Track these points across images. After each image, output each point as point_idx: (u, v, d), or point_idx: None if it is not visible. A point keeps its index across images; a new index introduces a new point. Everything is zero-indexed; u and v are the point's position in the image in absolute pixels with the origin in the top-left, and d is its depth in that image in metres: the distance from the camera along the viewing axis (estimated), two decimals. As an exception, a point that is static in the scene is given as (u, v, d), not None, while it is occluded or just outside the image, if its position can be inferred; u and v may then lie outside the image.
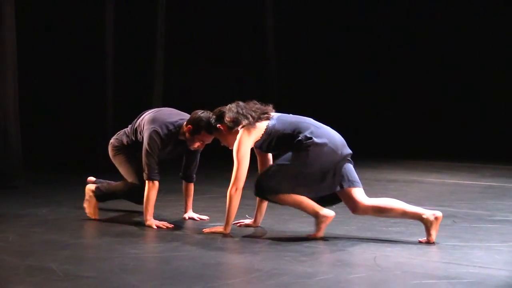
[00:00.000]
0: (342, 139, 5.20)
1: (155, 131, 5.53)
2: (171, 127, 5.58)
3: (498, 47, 11.68)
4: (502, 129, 11.48)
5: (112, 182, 5.99)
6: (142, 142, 5.65)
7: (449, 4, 11.95)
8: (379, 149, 11.28)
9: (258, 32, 11.74)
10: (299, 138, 5.06)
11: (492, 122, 11.63)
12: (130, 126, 5.92)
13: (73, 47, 9.39)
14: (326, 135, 5.11)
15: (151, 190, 5.50)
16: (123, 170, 5.88)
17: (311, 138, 5.04)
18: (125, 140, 5.88)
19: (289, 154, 5.06)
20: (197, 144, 5.60)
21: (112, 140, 5.98)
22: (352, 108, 12.34)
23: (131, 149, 5.84)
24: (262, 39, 11.74)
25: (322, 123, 5.29)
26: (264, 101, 5.35)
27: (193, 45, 10.84)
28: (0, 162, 7.61)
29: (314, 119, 5.31)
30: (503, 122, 11.55)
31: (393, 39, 12.30)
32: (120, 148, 5.89)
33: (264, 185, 5.11)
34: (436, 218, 4.93)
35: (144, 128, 5.62)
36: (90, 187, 5.90)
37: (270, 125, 5.15)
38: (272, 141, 5.16)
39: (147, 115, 5.74)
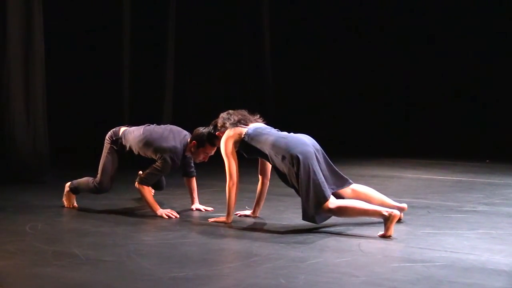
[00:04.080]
0: (307, 141, 5.08)
1: (172, 159, 5.53)
2: (179, 149, 5.58)
3: (476, 47, 11.58)
4: (471, 131, 11.47)
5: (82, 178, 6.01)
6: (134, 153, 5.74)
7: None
8: (363, 148, 11.27)
9: (257, 46, 11.73)
10: (273, 149, 5.01)
11: (462, 125, 11.62)
12: (124, 132, 5.83)
13: (93, 58, 9.36)
14: (292, 145, 5.00)
15: (145, 191, 5.54)
16: (101, 160, 5.86)
17: (281, 148, 4.98)
18: (118, 146, 5.83)
19: (286, 175, 4.99)
20: (202, 157, 5.61)
21: (110, 134, 5.90)
22: (341, 111, 12.30)
23: (120, 152, 5.84)
24: (261, 52, 11.72)
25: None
26: (262, 109, 5.43)
27: (197, 59, 10.80)
28: (31, 160, 7.59)
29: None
30: (472, 125, 11.55)
31: (386, 43, 12.20)
32: (115, 144, 5.85)
33: (311, 216, 4.92)
34: (394, 216, 4.75)
35: (157, 153, 5.55)
36: (68, 183, 5.97)
37: (247, 133, 5.18)
38: (248, 148, 5.19)
39: (149, 141, 5.61)
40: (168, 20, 9.87)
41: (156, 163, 5.57)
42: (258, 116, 5.39)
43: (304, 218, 4.97)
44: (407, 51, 12.07)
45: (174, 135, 5.66)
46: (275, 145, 5.03)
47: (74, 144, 9.16)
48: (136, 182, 5.60)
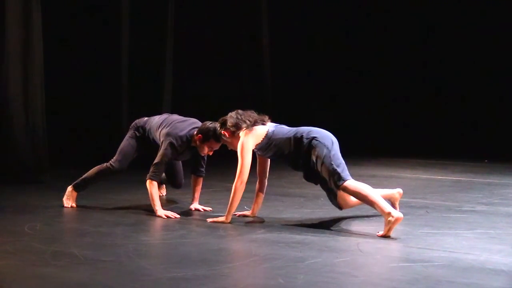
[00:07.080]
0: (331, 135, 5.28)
1: (172, 144, 5.60)
2: (184, 138, 5.65)
3: (476, 47, 11.58)
4: (470, 130, 11.49)
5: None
6: (151, 141, 5.91)
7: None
8: (362, 148, 11.27)
9: (256, 47, 11.72)
10: (303, 135, 5.14)
11: (461, 124, 11.63)
12: (144, 121, 6.06)
13: (91, 57, 9.34)
14: (319, 132, 5.20)
15: (153, 187, 5.55)
16: (121, 144, 6.03)
17: (310, 133, 5.14)
18: (140, 132, 6.03)
19: (312, 156, 5.08)
20: (206, 150, 5.65)
21: (133, 123, 6.12)
22: (339, 111, 12.31)
23: (142, 139, 5.99)
24: (259, 52, 11.71)
25: (313, 124, 5.40)
26: (260, 109, 5.45)
27: (197, 58, 10.78)
28: (28, 159, 7.58)
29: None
30: (471, 124, 11.56)
31: (385, 43, 12.21)
32: (137, 130, 6.05)
33: (335, 199, 5.09)
34: (398, 219, 4.73)
35: (161, 138, 5.71)
36: (69, 186, 6.00)
37: (270, 131, 5.23)
38: (271, 145, 5.20)
39: (161, 127, 5.78)
40: (167, 20, 9.86)
41: (160, 148, 5.67)
42: (267, 117, 5.40)
43: (332, 202, 5.11)
44: (406, 51, 12.07)
45: (184, 125, 5.75)
46: (305, 133, 5.12)
47: (73, 144, 9.14)
48: (147, 179, 5.58)
